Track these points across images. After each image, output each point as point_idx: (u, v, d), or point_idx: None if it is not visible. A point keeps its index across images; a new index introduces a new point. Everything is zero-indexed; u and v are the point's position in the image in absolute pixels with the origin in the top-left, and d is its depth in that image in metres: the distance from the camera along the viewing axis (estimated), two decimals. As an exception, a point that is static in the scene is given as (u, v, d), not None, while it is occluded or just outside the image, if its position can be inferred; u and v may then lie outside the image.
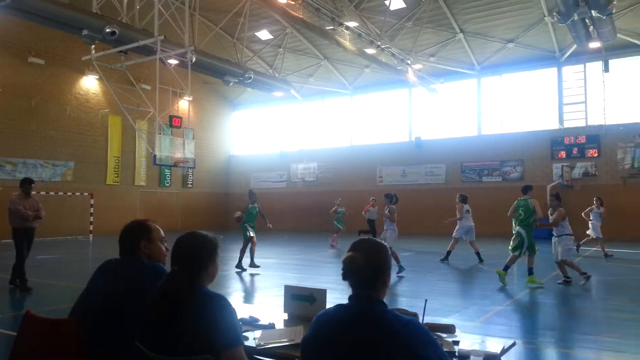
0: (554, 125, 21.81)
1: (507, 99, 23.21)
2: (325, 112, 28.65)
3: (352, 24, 18.82)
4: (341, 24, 18.02)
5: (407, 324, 1.79)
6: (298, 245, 18.54)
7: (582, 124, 21.23)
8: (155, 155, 16.78)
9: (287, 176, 29.02)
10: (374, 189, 25.48)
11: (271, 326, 2.84)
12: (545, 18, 19.51)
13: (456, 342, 2.74)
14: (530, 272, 8.89)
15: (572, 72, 21.72)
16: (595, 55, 19.81)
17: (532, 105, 22.56)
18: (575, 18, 15.57)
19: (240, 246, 11.78)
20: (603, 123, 20.60)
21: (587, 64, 21.12)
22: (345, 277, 1.93)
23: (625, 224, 17.86)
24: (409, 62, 21.30)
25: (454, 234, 12.92)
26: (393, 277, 10.10)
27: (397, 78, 22.44)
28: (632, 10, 18.33)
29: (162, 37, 15.47)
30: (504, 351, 2.78)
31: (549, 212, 9.58)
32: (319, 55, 25.04)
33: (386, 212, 10.66)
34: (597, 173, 20.28)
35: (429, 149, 24.25)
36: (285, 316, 3.14)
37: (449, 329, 2.93)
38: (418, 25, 20.36)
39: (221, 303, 2.07)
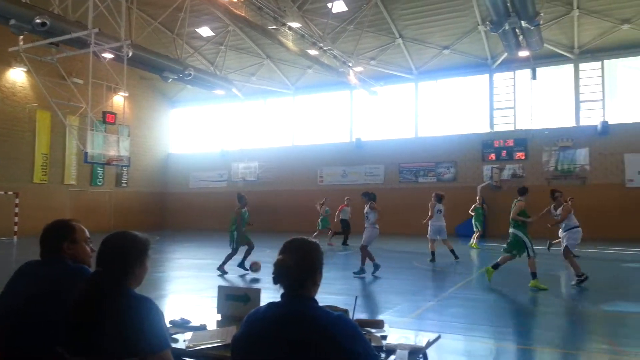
0: (485, 128, 22.92)
1: (442, 102, 24.12)
2: (268, 112, 28.55)
3: (295, 24, 18.88)
4: (284, 24, 18.03)
5: (337, 320, 1.84)
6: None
7: (511, 128, 22.45)
8: (86, 153, 16.05)
9: (228, 175, 28.65)
10: (315, 188, 25.71)
11: (202, 327, 2.82)
12: (479, 27, 20.46)
13: (384, 337, 2.85)
14: (534, 276, 8.67)
15: (502, 78, 22.91)
16: (524, 63, 21.00)
17: (465, 109, 23.60)
18: (506, 27, 16.40)
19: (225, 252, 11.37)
20: (530, 127, 21.89)
21: (517, 72, 22.34)
22: (276, 281, 1.95)
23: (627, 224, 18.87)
24: (350, 64, 21.65)
25: (428, 235, 12.89)
26: (345, 277, 10.25)
27: (339, 80, 22.74)
28: (557, 23, 19.60)
29: (96, 30, 14.82)
30: (429, 344, 2.92)
31: (551, 208, 9.86)
32: (261, 54, 24.91)
33: (366, 209, 10.50)
34: (524, 175, 21.51)
35: (368, 150, 24.76)
36: (219, 317, 3.13)
37: (378, 324, 3.04)
38: (359, 29, 20.73)
39: (147, 306, 2.01)
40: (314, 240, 2.07)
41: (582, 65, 21.33)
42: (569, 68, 21.58)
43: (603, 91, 21.02)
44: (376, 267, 10.26)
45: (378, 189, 24.01)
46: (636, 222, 18.34)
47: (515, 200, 9.22)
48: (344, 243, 17.35)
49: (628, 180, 19.44)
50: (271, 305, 1.95)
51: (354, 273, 10.23)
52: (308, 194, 25.57)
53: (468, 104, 23.58)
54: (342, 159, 25.38)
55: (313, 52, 20.31)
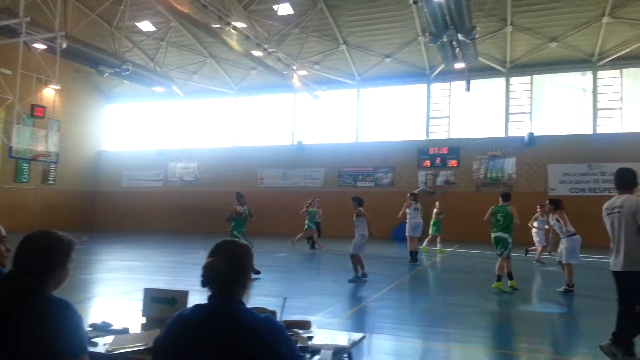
0: (421, 136, 23.73)
1: (382, 109, 24.73)
2: (209, 112, 28.06)
3: (240, 24, 18.71)
4: (228, 24, 17.81)
5: (263, 322, 1.86)
6: (171, 247, 17.84)
7: (445, 136, 23.38)
8: (11, 147, 15.11)
9: (164, 175, 27.88)
10: (255, 190, 25.54)
11: (125, 331, 2.77)
12: (419, 38, 21.17)
13: (310, 338, 2.92)
14: (510, 276, 9.05)
15: (439, 88, 23.82)
16: (459, 75, 21.93)
17: (403, 116, 24.32)
18: (444, 40, 17.07)
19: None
20: (463, 137, 22.90)
21: (453, 83, 23.29)
22: (204, 283, 1.93)
23: (477, 227, 19.78)
24: (294, 67, 21.73)
25: (406, 232, 13.65)
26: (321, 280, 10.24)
27: (283, 82, 22.76)
28: (492, 38, 20.64)
29: (28, 19, 14.02)
30: (354, 344, 3.03)
31: (549, 217, 9.76)
32: (204, 52, 24.47)
33: (355, 217, 10.41)
34: (455, 182, 22.46)
35: (309, 153, 24.94)
36: (144, 320, 3.08)
37: (305, 325, 3.11)
38: (304, 33, 20.87)
39: (65, 310, 1.93)
40: (244, 242, 2.08)
41: (512, 79, 22.59)
42: (500, 81, 22.78)
43: (531, 104, 22.35)
44: (357, 277, 10.00)
45: (318, 192, 24.31)
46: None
47: (500, 206, 9.37)
48: (312, 246, 17.09)
49: (550, 189, 20.76)
50: (197, 307, 1.93)
51: (349, 281, 9.94)
52: (248, 195, 25.25)
53: (406, 112, 24.31)
54: (283, 162, 25.40)
55: (257, 53, 20.22)
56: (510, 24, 19.88)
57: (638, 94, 20.94)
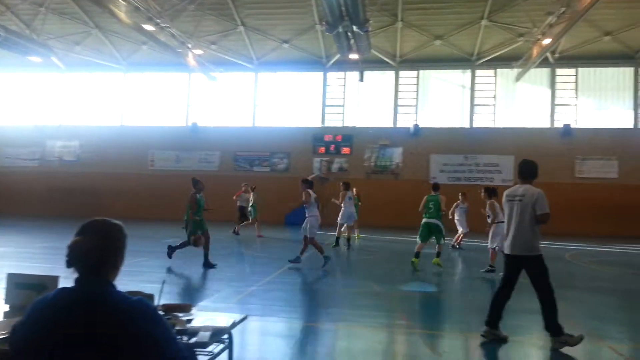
0: (317, 123, 24.25)
1: (279, 95, 24.82)
2: (93, 87, 26.10)
3: (129, -5, 17.56)
4: (116, -7, 16.64)
5: (135, 304, 1.81)
6: (48, 232, 16.45)
7: (339, 124, 24.13)
8: None
9: (42, 154, 25.56)
10: (145, 173, 24.45)
11: (-17, 319, 2.58)
12: (316, 26, 21.48)
13: (190, 321, 2.95)
14: (439, 255, 10.20)
15: (335, 77, 24.45)
16: (354, 65, 22.66)
17: (300, 103, 24.64)
18: (340, 30, 17.48)
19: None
20: (356, 125, 23.80)
21: (347, 73, 24.03)
22: (69, 264, 1.84)
23: (367, 213, 20.87)
24: (189, 45, 20.93)
25: (338, 219, 13.74)
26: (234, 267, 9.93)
27: (177, 60, 21.84)
28: (385, 32, 21.57)
29: None
30: (235, 324, 3.10)
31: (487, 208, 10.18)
32: (89, 22, 22.61)
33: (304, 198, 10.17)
34: (348, 169, 23.34)
35: (204, 136, 24.32)
36: (7, 308, 2.89)
37: (185, 308, 3.13)
38: (200, 10, 20.17)
39: None
40: (116, 221, 1.98)
41: (402, 73, 23.86)
42: (391, 74, 23.96)
43: (417, 98, 23.82)
44: (297, 259, 9.99)
45: (212, 176, 23.84)
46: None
47: (431, 195, 10.56)
48: (235, 231, 16.44)
49: (432, 178, 22.39)
50: (62, 290, 1.83)
51: (289, 261, 9.96)
52: (137, 178, 24.18)
53: (303, 99, 24.66)
54: (176, 144, 24.51)
55: (149, 27, 19.12)
56: (401, 20, 20.93)
57: (509, 92, 23.24)
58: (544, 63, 21.36)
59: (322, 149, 23.59)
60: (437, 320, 6.78)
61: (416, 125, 22.87)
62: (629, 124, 22.10)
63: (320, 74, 24.42)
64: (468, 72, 23.40)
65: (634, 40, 21.00)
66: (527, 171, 5.41)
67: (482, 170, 22.27)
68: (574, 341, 4.99)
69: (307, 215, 10.12)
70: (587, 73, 22.46)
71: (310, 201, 10.08)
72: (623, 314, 7.29)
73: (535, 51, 19.27)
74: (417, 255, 10.04)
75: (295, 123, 24.26)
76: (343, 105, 24.33)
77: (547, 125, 22.52)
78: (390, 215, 21.17)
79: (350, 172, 23.12)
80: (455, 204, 13.89)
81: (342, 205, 13.92)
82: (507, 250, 5.40)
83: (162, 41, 20.08)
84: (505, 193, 5.48)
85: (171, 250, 10.03)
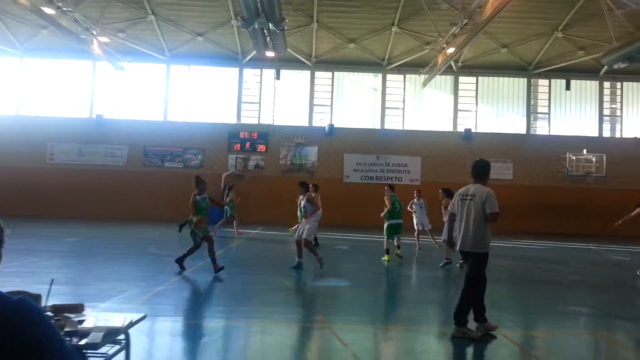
0: (232, 119, 23.93)
1: (193, 89, 24.16)
2: (-16, 71, 23.78)
3: (26, -26, 16.19)
4: (10, -29, 15.27)
5: (16, 304, 1.69)
6: None
7: (255, 121, 24.00)
8: None
9: None
10: (43, 167, 22.70)
11: None
12: (232, 21, 21.17)
13: (82, 322, 2.82)
14: (399, 247, 11.51)
15: (251, 74, 24.26)
16: (270, 63, 22.68)
17: (215, 98, 24.17)
18: (256, 26, 17.38)
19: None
20: (272, 123, 23.80)
21: (264, 70, 23.95)
22: None
23: (284, 210, 20.67)
24: (94, 32, 19.71)
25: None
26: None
27: (80, 48, 20.46)
28: (301, 32, 21.75)
29: None
30: (131, 324, 3.01)
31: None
32: (-23, 0, 20.51)
33: (303, 201, 9.96)
34: (264, 166, 23.27)
35: (111, 129, 23.03)
36: None
37: (77, 308, 2.99)
38: (107, -4, 19.09)
39: None
40: None
41: (317, 73, 24.22)
42: (307, 74, 24.22)
43: (332, 98, 24.30)
44: (321, 261, 9.63)
45: (119, 171, 22.74)
46: (351, 211, 21.60)
47: (394, 195, 11.44)
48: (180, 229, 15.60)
49: (345, 176, 23.03)
50: None
51: (291, 267, 9.52)
52: (34, 172, 22.36)
53: (218, 94, 24.20)
54: (79, 136, 22.98)
55: (49, 10, 17.75)
56: (316, 22, 21.25)
57: (417, 97, 24.43)
58: (448, 71, 22.75)
59: (238, 146, 23.32)
60: (348, 313, 6.99)
61: (331, 125, 23.33)
62: (523, 130, 24.17)
63: (236, 70, 24.10)
64: (380, 76, 24.27)
65: (528, 53, 22.97)
66: (479, 171, 5.65)
67: (392, 170, 23.23)
68: (492, 327, 5.50)
69: (305, 218, 9.86)
70: (486, 82, 24.25)
71: (311, 205, 9.86)
72: (515, 304, 8.00)
73: (440, 59, 20.45)
74: (388, 251, 11.13)
75: (210, 119, 23.76)
76: (259, 103, 24.22)
77: (451, 129, 23.99)
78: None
79: (266, 170, 23.08)
80: (411, 201, 13.99)
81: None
82: (458, 247, 5.67)
83: (64, 26, 18.72)
84: (458, 192, 5.74)
85: (180, 261, 9.05)
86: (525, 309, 7.65)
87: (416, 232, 13.91)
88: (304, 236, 9.67)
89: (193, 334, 5.58)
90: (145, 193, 21.91)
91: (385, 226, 11.29)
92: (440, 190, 11.80)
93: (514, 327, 6.38)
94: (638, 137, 23.39)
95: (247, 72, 24.22)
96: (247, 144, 23.39)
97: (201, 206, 8.90)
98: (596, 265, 12.83)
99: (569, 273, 11.48)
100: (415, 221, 13.85)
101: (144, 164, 23.15)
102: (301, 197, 10.14)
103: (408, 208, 13.64)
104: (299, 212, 10.59)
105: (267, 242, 15.26)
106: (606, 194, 22.22)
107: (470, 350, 5.31)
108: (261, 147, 23.45)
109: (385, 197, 11.61)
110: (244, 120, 24.01)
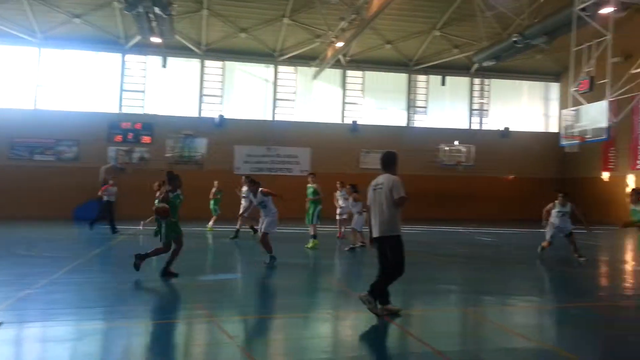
0: (113, 109, 22.46)
1: (69, 75, 22.24)
2: None
3: None
4: None
5: None
6: None
7: (140, 111, 22.75)
8: None
9: None
10: None
11: None
12: (114, 3, 19.82)
13: None
14: (315, 237, 12.10)
15: (135, 61, 22.92)
16: (156, 50, 21.60)
17: (93, 86, 22.48)
18: (140, 10, 16.37)
19: None
20: (158, 113, 22.73)
21: (149, 57, 22.76)
22: None
23: (199, 205, 19.55)
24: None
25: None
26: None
27: None
28: (190, 18, 20.98)
29: None
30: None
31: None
32: None
33: (258, 196, 9.66)
34: (149, 158, 22.17)
35: (-32, 118, 20.47)
36: None
37: None
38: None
39: None
40: None
41: (207, 62, 23.57)
42: (196, 63, 23.48)
43: (223, 88, 23.81)
44: (273, 258, 9.52)
45: (-20, 165, 20.30)
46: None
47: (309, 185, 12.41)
48: (114, 230, 14.56)
49: (236, 168, 22.76)
50: None
51: (265, 263, 9.41)
52: None
53: (97, 81, 22.54)
54: None
55: None
56: (207, 8, 20.67)
57: (307, 89, 24.83)
58: (337, 65, 23.43)
59: (119, 137, 21.95)
60: (233, 306, 6.96)
61: (221, 116, 22.89)
62: (403, 123, 25.67)
63: (118, 56, 22.63)
64: (271, 67, 24.27)
65: (409, 50, 24.39)
66: (385, 162, 6.10)
67: (283, 161, 23.44)
68: (395, 309, 5.96)
69: (264, 212, 9.71)
70: (372, 76, 25.33)
71: (269, 196, 9.76)
72: (400, 285, 8.52)
73: (329, 53, 20.98)
74: (315, 236, 12.07)
75: (88, 107, 22.07)
76: (144, 92, 22.99)
77: (339, 121, 24.77)
78: (193, 205, 20.72)
79: (152, 162, 22.01)
80: (335, 193, 14.02)
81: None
82: (374, 234, 6.00)
83: None
84: (371, 183, 6.13)
85: (139, 259, 8.16)
86: (400, 289, 8.21)
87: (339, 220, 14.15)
88: (263, 229, 9.66)
89: (63, 339, 5.20)
90: (14, 189, 19.88)
91: (316, 211, 12.42)
92: (348, 186, 12.71)
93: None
94: (501, 129, 25.96)
95: (131, 58, 22.85)
96: (130, 135, 22.13)
97: (174, 205, 8.12)
98: (465, 246, 14.12)
99: (439, 255, 12.46)
100: (338, 210, 14.02)
101: (9, 158, 20.91)
102: (251, 193, 10.08)
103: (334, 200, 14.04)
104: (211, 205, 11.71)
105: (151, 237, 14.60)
106: (475, 181, 24.44)
107: (353, 332, 5.60)
108: (146, 139, 22.33)
109: (314, 185, 12.67)
110: (126, 110, 22.66)
